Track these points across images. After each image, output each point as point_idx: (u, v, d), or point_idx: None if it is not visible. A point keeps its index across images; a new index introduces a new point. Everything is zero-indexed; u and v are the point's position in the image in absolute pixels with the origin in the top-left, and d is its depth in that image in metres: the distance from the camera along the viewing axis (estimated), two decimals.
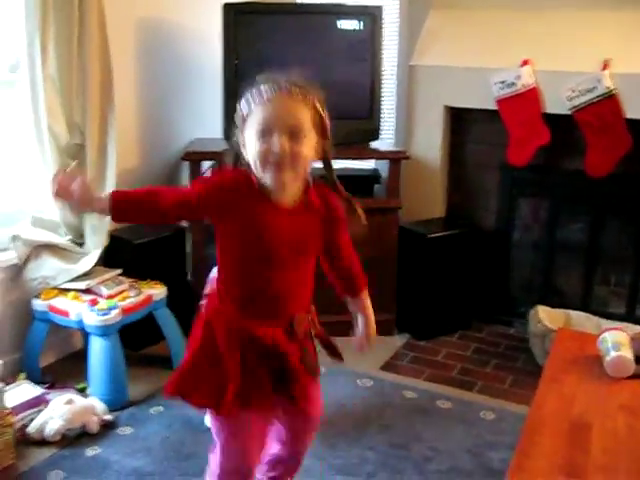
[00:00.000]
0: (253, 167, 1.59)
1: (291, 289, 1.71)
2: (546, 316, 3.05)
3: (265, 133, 1.55)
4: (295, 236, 1.65)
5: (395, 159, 3.17)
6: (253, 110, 1.57)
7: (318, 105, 1.59)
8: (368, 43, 3.12)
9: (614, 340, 2.01)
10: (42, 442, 2.46)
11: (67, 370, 2.96)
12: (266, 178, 1.58)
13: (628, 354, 1.96)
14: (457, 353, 3.23)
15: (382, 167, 3.40)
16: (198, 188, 1.65)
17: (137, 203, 1.66)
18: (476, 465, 2.41)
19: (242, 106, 1.60)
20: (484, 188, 3.37)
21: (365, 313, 1.88)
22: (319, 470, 2.37)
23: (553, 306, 3.14)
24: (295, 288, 1.72)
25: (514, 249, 3.42)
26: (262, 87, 1.56)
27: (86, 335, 3.10)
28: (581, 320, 3.12)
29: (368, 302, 1.89)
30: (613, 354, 1.96)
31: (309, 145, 1.58)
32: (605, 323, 3.01)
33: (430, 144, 3.36)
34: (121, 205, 1.64)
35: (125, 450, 2.46)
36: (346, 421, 2.65)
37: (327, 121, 1.62)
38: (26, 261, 2.80)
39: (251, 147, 1.57)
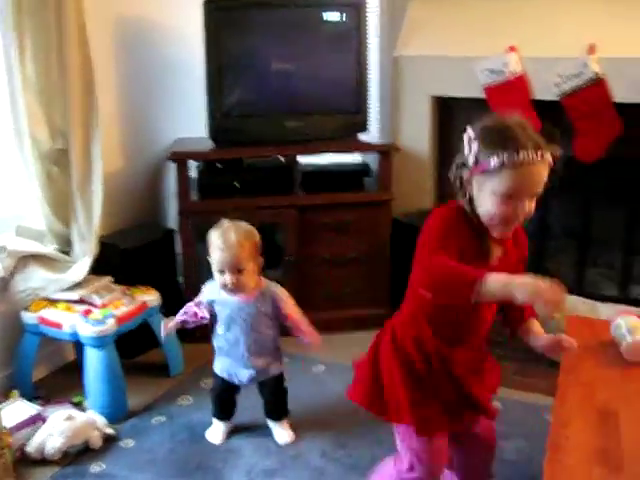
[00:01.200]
0: (482, 216, 1.62)
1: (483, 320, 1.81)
2: None
3: (510, 197, 1.57)
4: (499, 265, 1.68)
5: (386, 151, 3.14)
6: (502, 170, 1.55)
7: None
8: (353, 35, 3.07)
9: (629, 325, 2.01)
10: (42, 461, 2.37)
11: (60, 383, 2.86)
12: (493, 229, 1.64)
13: None
14: None
15: (370, 160, 3.37)
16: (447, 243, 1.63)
17: None
18: None
19: (485, 154, 1.57)
20: None
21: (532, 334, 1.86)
22: (334, 471, 2.34)
23: None
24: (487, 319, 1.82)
25: None
26: (519, 152, 1.53)
27: (78, 346, 3.03)
28: (575, 304, 3.12)
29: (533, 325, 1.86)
30: (630, 339, 1.96)
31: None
32: (599, 306, 3.04)
33: (418, 135, 3.33)
34: None
35: (131, 464, 2.39)
36: (353, 419, 2.61)
37: None
38: (12, 273, 2.69)
39: (488, 202, 1.59)
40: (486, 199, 1.60)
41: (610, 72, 2.85)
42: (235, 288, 2.28)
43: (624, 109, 2.88)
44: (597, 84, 2.87)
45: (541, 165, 1.56)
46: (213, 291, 2.39)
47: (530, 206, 1.59)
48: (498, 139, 1.57)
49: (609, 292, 3.26)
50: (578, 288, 3.27)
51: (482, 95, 3.10)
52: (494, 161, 1.55)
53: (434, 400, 1.78)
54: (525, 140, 1.55)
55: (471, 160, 1.61)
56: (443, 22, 3.23)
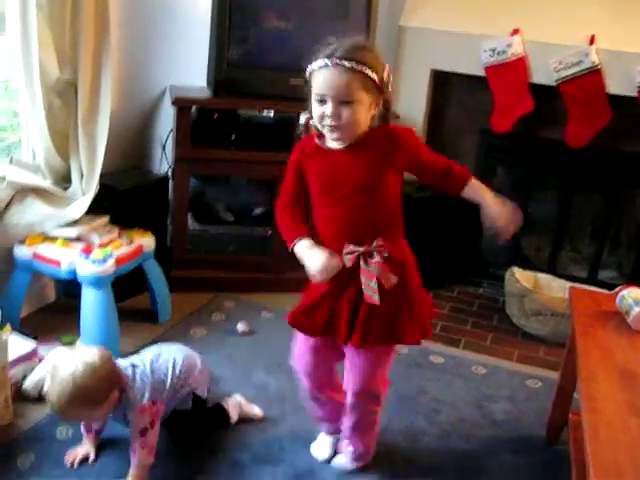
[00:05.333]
0: (316, 122, 1.80)
1: (357, 217, 1.86)
2: (520, 277, 3.20)
3: (321, 101, 1.75)
4: (352, 173, 1.82)
5: (386, 117, 3.15)
6: (312, 77, 1.76)
7: (367, 70, 1.71)
8: None
9: (634, 297, 2.14)
10: (39, 399, 2.28)
11: (44, 323, 2.76)
12: (325, 133, 1.81)
13: None
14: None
15: None
16: (289, 167, 1.96)
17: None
18: (480, 416, 2.52)
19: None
20: (462, 153, 3.43)
21: (480, 197, 1.85)
22: None
23: (522, 269, 3.29)
24: (361, 216, 1.85)
25: None
26: (316, 60, 1.73)
27: (63, 286, 2.94)
28: (548, 282, 3.30)
29: (480, 187, 1.86)
30: (637, 309, 2.09)
31: (360, 108, 1.74)
32: (570, 285, 3.20)
33: (413, 105, 3.37)
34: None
35: None
36: None
37: (383, 77, 1.76)
38: (8, 205, 2.57)
39: (313, 109, 1.78)
40: (313, 108, 1.78)
41: (606, 63, 3.01)
42: None
43: (616, 101, 3.05)
44: (594, 73, 3.02)
45: (338, 75, 1.70)
46: None
47: (347, 113, 1.72)
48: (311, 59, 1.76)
49: (579, 274, 3.44)
50: (551, 268, 3.44)
51: (481, 73, 3.20)
52: (307, 70, 1.77)
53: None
54: (326, 50, 1.72)
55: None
56: None
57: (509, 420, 2.52)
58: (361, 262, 1.84)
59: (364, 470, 2.18)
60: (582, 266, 3.50)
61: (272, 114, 3.38)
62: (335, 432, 2.22)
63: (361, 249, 1.84)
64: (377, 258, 1.84)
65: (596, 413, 1.67)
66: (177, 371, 2.10)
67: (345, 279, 1.86)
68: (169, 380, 2.06)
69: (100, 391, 1.88)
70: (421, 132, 3.43)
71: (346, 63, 1.69)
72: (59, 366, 1.88)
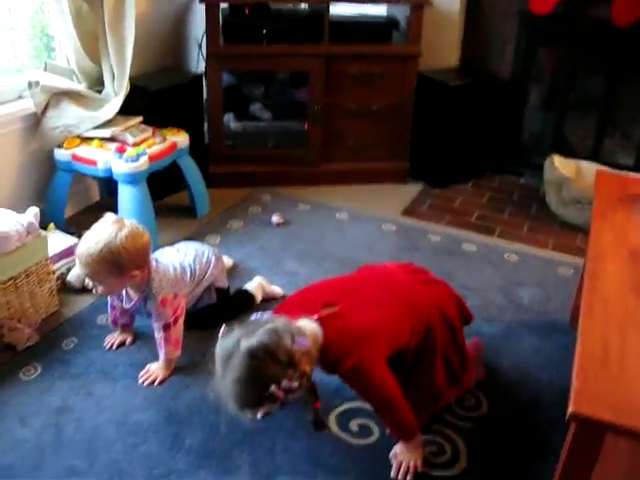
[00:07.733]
0: None
1: None
2: (560, 165, 3.12)
3: None
4: None
5: (418, 5, 3.07)
6: None
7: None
8: None
9: None
10: (82, 290, 2.47)
11: (88, 221, 2.85)
12: None
13: None
14: (473, 200, 3.31)
15: (396, 13, 3.31)
16: None
17: None
18: (507, 301, 2.54)
19: None
20: (502, 37, 3.31)
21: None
22: None
23: (564, 157, 3.21)
24: None
25: (528, 100, 3.42)
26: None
27: (105, 186, 3.08)
28: (591, 170, 3.18)
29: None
30: None
31: None
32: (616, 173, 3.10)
33: None
34: None
35: None
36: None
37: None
38: (44, 110, 2.68)
39: None
40: None
41: None
42: None
43: None
44: None
45: None
46: None
47: None
48: None
49: (625, 161, 3.32)
50: (595, 155, 3.33)
51: None
52: None
53: None
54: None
55: None
56: None
57: (535, 305, 2.54)
58: None
59: None
60: (627, 153, 3.36)
61: (306, 6, 3.33)
62: None
63: None
64: None
65: (595, 290, 1.67)
66: (195, 267, 2.21)
67: None
68: (188, 275, 2.17)
69: (129, 261, 1.89)
70: (456, 18, 3.30)
71: None
72: (107, 222, 1.94)
